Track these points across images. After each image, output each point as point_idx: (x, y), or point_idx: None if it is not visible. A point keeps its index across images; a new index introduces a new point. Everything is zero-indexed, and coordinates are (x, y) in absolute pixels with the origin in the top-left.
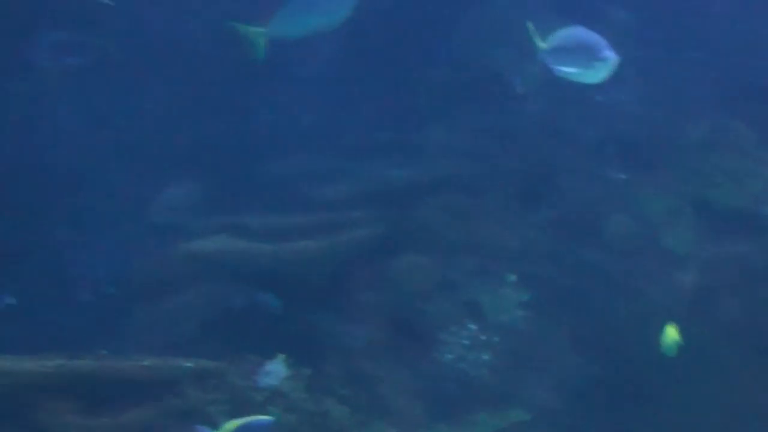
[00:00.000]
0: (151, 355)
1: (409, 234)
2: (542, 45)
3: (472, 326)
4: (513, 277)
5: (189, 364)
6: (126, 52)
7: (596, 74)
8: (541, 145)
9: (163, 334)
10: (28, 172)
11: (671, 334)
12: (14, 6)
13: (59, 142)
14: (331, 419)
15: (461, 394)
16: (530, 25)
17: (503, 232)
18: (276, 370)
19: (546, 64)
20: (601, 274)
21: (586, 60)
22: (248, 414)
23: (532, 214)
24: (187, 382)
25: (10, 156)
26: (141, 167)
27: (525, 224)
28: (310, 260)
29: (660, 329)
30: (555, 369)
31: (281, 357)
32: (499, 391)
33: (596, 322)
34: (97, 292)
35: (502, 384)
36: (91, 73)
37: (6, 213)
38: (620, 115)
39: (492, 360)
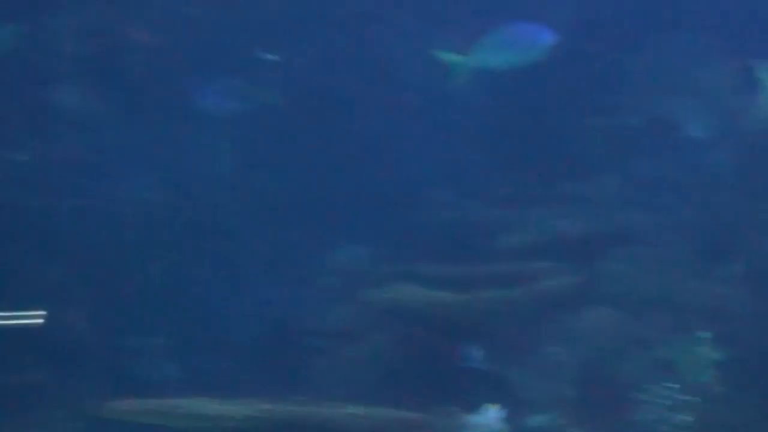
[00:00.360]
0: (348, 402)
1: (596, 286)
2: None
3: (672, 386)
4: (707, 335)
5: (395, 413)
6: (284, 102)
7: None
8: (723, 196)
9: (354, 381)
10: (200, 220)
11: None
12: (187, 52)
13: (224, 187)
14: None
15: None
16: None
17: (692, 287)
18: (483, 423)
19: None
20: None
21: None
22: None
23: (719, 269)
24: None
25: (179, 205)
26: (306, 212)
27: (713, 279)
28: (499, 310)
29: None
30: None
31: (491, 408)
32: None
33: None
34: (295, 341)
35: None
36: (250, 120)
37: (192, 265)
38: None
39: (694, 423)
